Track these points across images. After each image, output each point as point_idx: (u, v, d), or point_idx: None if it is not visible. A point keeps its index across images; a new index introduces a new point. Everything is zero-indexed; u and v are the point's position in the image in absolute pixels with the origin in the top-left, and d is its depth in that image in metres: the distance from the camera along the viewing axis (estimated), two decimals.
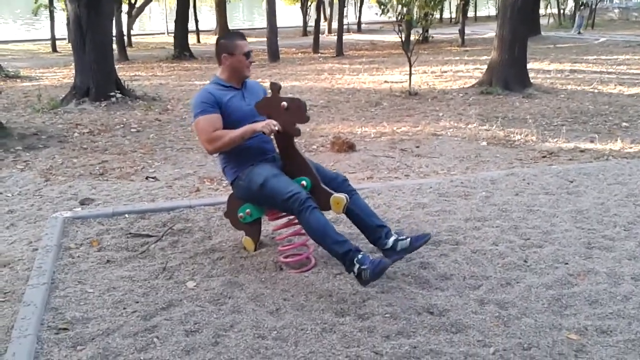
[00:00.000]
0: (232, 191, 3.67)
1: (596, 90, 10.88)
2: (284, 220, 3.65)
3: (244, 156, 3.46)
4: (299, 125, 3.38)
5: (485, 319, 2.92)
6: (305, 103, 3.38)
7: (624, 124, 8.05)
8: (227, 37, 3.56)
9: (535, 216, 4.29)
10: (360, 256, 3.13)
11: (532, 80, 11.28)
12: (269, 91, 3.47)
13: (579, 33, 25.28)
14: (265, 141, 3.53)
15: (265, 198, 3.38)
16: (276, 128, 3.30)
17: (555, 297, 3.13)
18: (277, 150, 3.55)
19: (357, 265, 3.11)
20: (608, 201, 4.59)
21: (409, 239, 3.36)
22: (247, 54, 3.50)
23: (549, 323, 2.88)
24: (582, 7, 26.61)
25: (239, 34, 3.56)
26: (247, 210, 3.57)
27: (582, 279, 3.33)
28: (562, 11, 32.73)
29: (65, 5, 12.17)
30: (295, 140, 3.49)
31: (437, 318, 2.94)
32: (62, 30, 23.32)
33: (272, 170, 3.40)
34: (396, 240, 3.36)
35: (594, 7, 29.59)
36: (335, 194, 3.32)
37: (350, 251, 3.16)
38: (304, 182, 3.39)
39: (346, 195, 3.34)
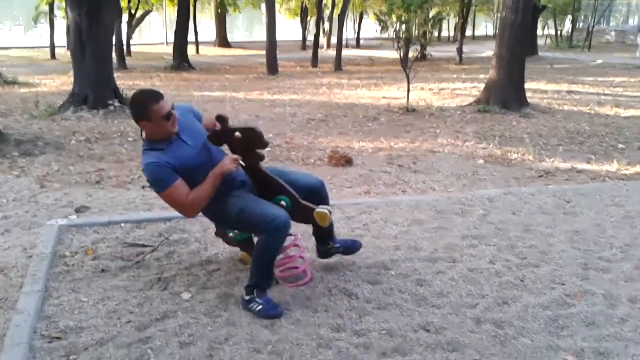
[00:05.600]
0: None
1: (593, 112, 10.94)
2: None
3: (215, 194, 3.17)
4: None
5: (482, 338, 2.91)
6: (259, 129, 3.26)
7: (620, 145, 8.09)
8: (138, 103, 3.07)
9: (532, 235, 4.30)
10: (264, 295, 3.18)
11: (529, 100, 11.33)
12: (206, 112, 3.36)
13: None
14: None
15: (244, 223, 3.21)
16: (240, 161, 3.21)
17: (552, 318, 3.12)
18: (249, 178, 3.42)
19: (256, 298, 3.15)
20: (605, 222, 4.60)
21: (341, 248, 3.66)
22: (167, 116, 3.04)
23: (545, 344, 2.88)
24: None
25: (151, 95, 3.06)
26: (236, 230, 3.49)
27: (579, 299, 3.33)
28: (559, 32, 33.01)
29: (66, 13, 12.17)
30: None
31: (434, 336, 2.93)
32: (61, 38, 23.34)
33: (248, 196, 3.26)
34: (331, 248, 3.64)
35: (590, 29, 29.85)
36: (318, 209, 3.28)
37: (264, 288, 3.21)
38: (283, 202, 3.27)
39: (328, 207, 3.33)
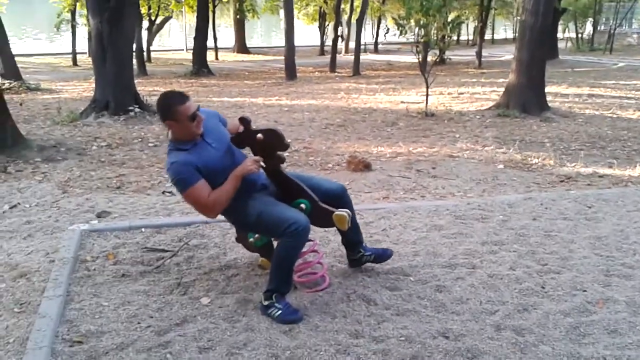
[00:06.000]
0: None
1: (615, 115, 10.81)
2: None
3: (236, 196, 3.22)
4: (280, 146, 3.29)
5: (502, 345, 2.88)
6: (281, 131, 3.29)
7: None
8: (165, 103, 3.16)
9: (553, 241, 4.25)
10: (283, 300, 3.19)
11: (549, 104, 11.22)
12: (229, 118, 3.40)
13: None
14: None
15: (263, 227, 3.25)
16: (261, 163, 3.24)
17: (573, 325, 3.08)
18: (270, 180, 3.44)
19: (275, 304, 3.16)
20: (627, 228, 4.54)
21: (372, 256, 3.63)
22: (192, 117, 3.12)
23: (566, 351, 2.84)
24: None
25: (177, 96, 3.16)
26: (256, 235, 3.50)
27: (601, 307, 3.28)
28: (580, 35, 32.65)
29: (88, 20, 12.35)
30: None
31: (453, 343, 2.91)
32: (83, 44, 23.67)
33: (267, 199, 3.29)
34: (362, 256, 3.63)
35: (612, 31, 29.48)
36: (337, 212, 3.28)
37: (283, 293, 3.22)
38: (302, 205, 3.29)
39: (347, 211, 3.32)
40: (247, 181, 3.25)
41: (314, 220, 3.31)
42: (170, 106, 3.12)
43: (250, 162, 3.20)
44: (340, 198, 3.45)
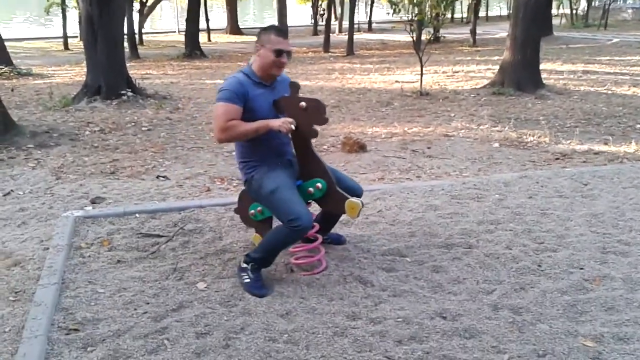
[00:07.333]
0: (243, 188, 3.63)
1: (610, 92, 10.77)
2: None
3: (261, 155, 3.36)
4: (316, 127, 3.31)
5: (499, 325, 2.89)
6: (325, 105, 3.29)
7: (638, 125, 7.95)
8: (268, 29, 3.37)
9: (549, 220, 4.25)
10: (257, 272, 3.32)
11: (544, 81, 11.17)
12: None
13: None
14: (285, 143, 3.42)
15: (270, 205, 3.31)
16: (292, 126, 3.22)
17: (571, 303, 3.08)
18: (294, 151, 3.46)
19: (249, 271, 3.30)
20: (623, 205, 4.53)
21: (328, 239, 3.82)
22: (278, 52, 3.25)
23: (564, 329, 2.84)
24: None
25: (280, 30, 3.34)
26: (259, 208, 3.49)
27: (598, 284, 3.29)
28: (574, 11, 32.45)
29: (78, 3, 12.19)
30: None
31: (450, 323, 2.91)
32: (74, 28, 23.40)
33: (286, 180, 3.30)
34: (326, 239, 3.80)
35: (607, 7, 29.31)
36: (351, 199, 3.29)
37: (259, 266, 3.32)
38: (319, 184, 3.33)
39: (361, 200, 3.33)
40: (277, 149, 3.39)
41: (326, 203, 3.39)
42: (269, 31, 3.31)
43: (283, 120, 3.22)
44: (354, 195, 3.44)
